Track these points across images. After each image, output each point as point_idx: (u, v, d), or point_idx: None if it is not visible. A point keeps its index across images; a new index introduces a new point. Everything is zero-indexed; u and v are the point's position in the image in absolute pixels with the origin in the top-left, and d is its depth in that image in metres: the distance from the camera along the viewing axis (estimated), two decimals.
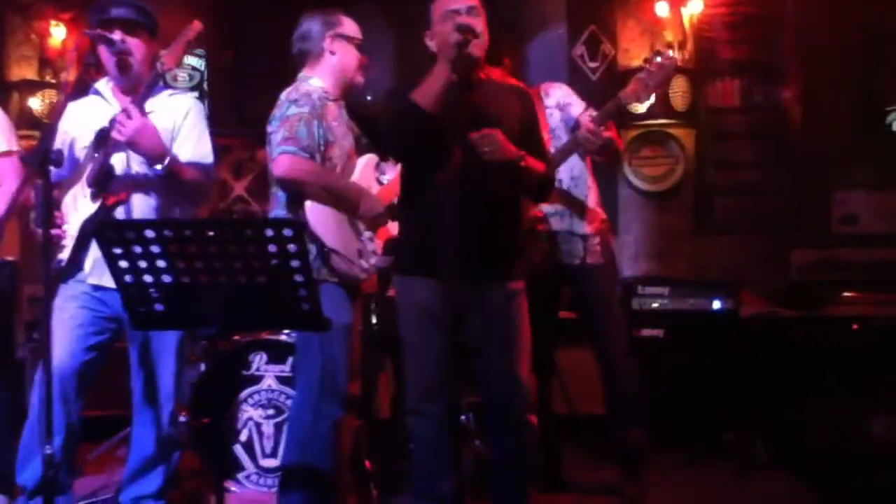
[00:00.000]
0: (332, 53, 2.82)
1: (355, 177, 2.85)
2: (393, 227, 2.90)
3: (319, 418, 2.66)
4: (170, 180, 2.66)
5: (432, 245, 2.43)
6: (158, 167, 2.62)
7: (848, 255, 4.62)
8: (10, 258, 3.20)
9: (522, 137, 2.60)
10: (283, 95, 2.74)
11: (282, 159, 2.62)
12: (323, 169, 2.71)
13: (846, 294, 4.29)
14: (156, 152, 2.61)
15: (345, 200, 2.72)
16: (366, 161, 2.92)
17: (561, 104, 3.25)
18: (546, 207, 3.21)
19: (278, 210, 2.73)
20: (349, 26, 2.88)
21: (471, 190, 2.41)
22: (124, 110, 2.56)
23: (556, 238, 3.23)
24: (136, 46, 2.71)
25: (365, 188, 2.81)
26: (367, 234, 2.81)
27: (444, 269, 2.40)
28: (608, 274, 3.30)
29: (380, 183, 3.01)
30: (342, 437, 2.73)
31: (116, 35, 2.66)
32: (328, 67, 2.83)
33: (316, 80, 2.81)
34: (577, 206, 3.25)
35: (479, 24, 2.51)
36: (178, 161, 2.68)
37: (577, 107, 3.23)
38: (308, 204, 2.68)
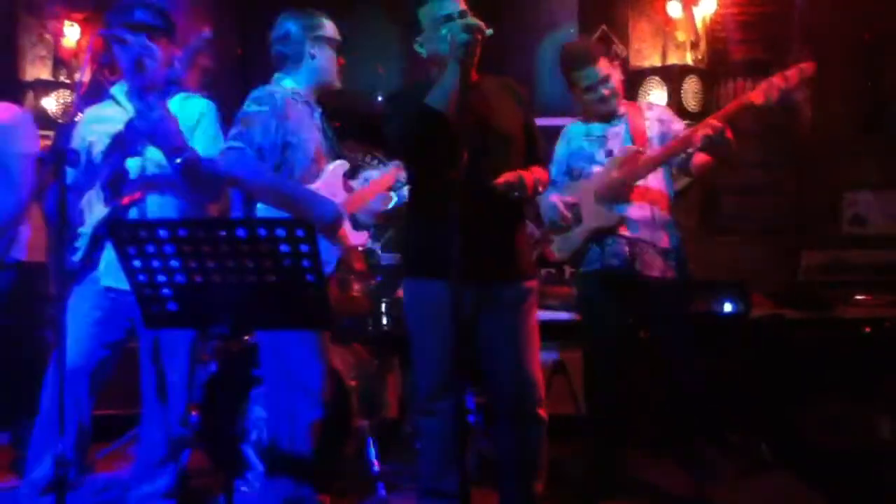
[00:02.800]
0: (313, 57, 2.80)
1: (319, 182, 2.76)
2: (354, 236, 2.82)
3: (292, 420, 2.66)
4: (186, 176, 2.65)
5: (442, 246, 2.38)
6: (178, 161, 2.60)
7: (857, 257, 4.61)
8: (22, 259, 3.20)
9: (524, 131, 2.64)
10: (251, 95, 2.73)
11: (227, 153, 2.60)
12: (270, 170, 2.65)
13: (856, 296, 4.28)
14: (175, 145, 2.59)
15: (296, 206, 2.64)
16: (334, 167, 2.82)
17: (663, 119, 3.26)
18: (632, 213, 3.17)
19: (235, 210, 2.73)
20: (329, 28, 2.84)
21: (479, 190, 2.43)
22: (146, 102, 2.55)
23: (636, 247, 3.16)
24: (157, 49, 2.71)
25: (319, 194, 2.70)
26: (322, 242, 2.72)
27: (453, 269, 2.37)
28: (682, 291, 3.27)
29: (350, 190, 2.92)
30: (318, 436, 2.71)
31: (140, 38, 2.67)
32: (307, 70, 2.80)
33: (288, 82, 2.79)
34: (662, 220, 3.21)
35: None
36: (196, 156, 2.67)
37: (677, 124, 3.25)
38: (259, 206, 2.66)
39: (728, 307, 4.05)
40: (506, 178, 2.49)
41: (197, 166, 2.64)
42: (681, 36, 4.86)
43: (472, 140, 2.44)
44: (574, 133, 3.34)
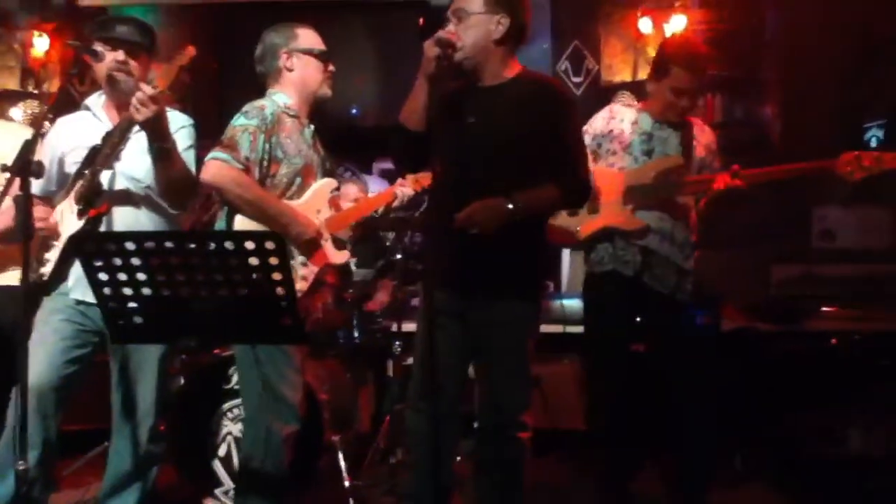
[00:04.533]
0: (290, 70, 2.77)
1: (304, 199, 2.74)
2: (334, 255, 2.80)
3: (268, 434, 2.63)
4: (161, 164, 2.58)
5: (437, 257, 2.50)
6: (166, 146, 2.55)
7: (827, 271, 4.67)
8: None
9: (538, 141, 2.50)
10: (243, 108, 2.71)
11: (210, 164, 2.58)
12: (253, 183, 2.61)
13: (825, 309, 4.33)
14: (164, 133, 2.54)
15: (275, 223, 2.61)
16: (321, 185, 2.80)
17: (710, 149, 3.20)
18: (653, 223, 3.07)
19: (220, 222, 2.71)
20: (306, 39, 2.80)
21: (466, 203, 2.42)
22: (146, 93, 2.44)
23: (649, 259, 3.07)
24: (135, 67, 2.68)
25: (300, 212, 2.68)
26: (300, 258, 2.69)
27: (446, 282, 2.48)
28: (693, 313, 3.22)
29: (338, 209, 2.91)
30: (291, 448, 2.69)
31: (118, 54, 2.64)
32: (288, 84, 2.78)
33: (280, 96, 2.77)
34: (681, 237, 3.12)
35: (464, 29, 2.46)
36: (175, 147, 2.62)
37: (717, 161, 3.20)
38: (238, 218, 2.64)
39: (699, 320, 4.08)
40: (466, 212, 2.41)
41: (174, 157, 2.60)
42: (652, 52, 4.91)
43: (457, 152, 2.43)
44: (626, 116, 3.21)
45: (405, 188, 3.38)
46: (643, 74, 4.89)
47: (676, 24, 4.90)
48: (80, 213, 2.64)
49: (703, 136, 3.21)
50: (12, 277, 3.13)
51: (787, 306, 4.36)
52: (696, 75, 3.06)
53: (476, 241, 2.42)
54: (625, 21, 5.04)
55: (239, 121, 2.65)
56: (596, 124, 3.22)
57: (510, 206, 2.42)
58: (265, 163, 2.65)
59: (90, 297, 2.47)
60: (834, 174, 2.91)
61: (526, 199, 2.45)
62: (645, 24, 4.94)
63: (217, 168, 2.57)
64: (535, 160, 2.51)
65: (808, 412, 3.86)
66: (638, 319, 3.18)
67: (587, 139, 3.18)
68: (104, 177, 2.68)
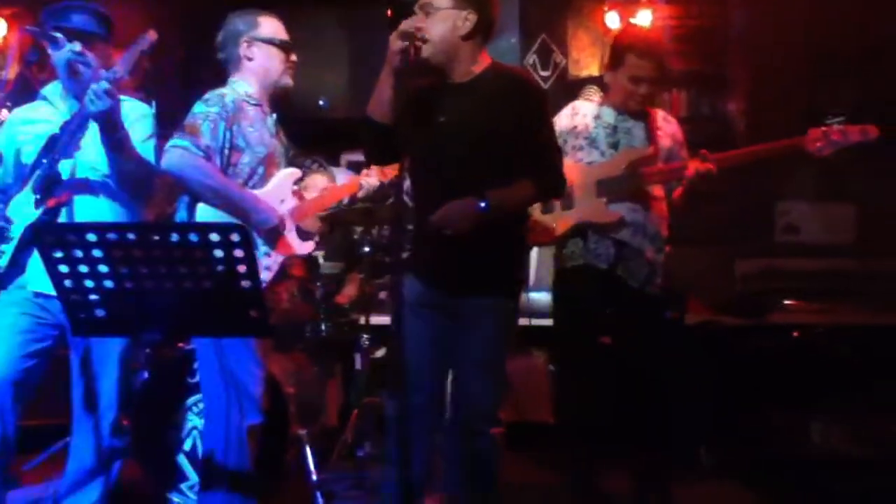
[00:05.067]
0: (249, 59, 2.74)
1: (268, 188, 2.72)
2: (298, 245, 2.78)
3: (230, 427, 2.61)
4: (113, 155, 2.56)
5: (420, 251, 2.57)
6: (118, 135, 2.52)
7: (790, 265, 4.74)
8: None
9: (509, 137, 2.47)
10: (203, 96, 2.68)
11: (171, 151, 2.55)
12: (215, 171, 2.59)
13: (787, 302, 4.40)
14: (116, 123, 2.50)
15: (238, 210, 2.59)
16: (284, 175, 2.78)
17: (676, 138, 3.20)
18: (626, 214, 3.06)
19: (181, 212, 2.68)
20: (267, 27, 2.76)
21: (444, 202, 2.41)
22: (100, 87, 2.40)
23: (623, 251, 3.07)
24: (92, 58, 2.62)
25: (262, 200, 2.66)
26: (264, 248, 2.67)
27: (425, 275, 2.54)
28: (659, 307, 3.21)
29: (300, 199, 2.88)
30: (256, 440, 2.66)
31: (74, 45, 2.58)
32: (248, 72, 2.75)
33: (241, 84, 2.74)
34: (652, 229, 3.13)
35: (431, 24, 2.44)
36: (128, 137, 2.59)
37: (684, 150, 3.19)
38: (199, 206, 2.61)
39: (666, 314, 4.11)
40: (439, 213, 2.41)
41: (129, 146, 2.57)
42: None
43: (429, 151, 2.45)
44: (588, 111, 3.21)
45: (370, 178, 3.36)
46: None
47: (643, 18, 4.93)
48: (38, 203, 2.58)
49: (668, 126, 3.22)
50: None
51: (752, 300, 4.41)
52: (651, 62, 3.06)
53: (452, 238, 2.42)
54: (592, 15, 5.07)
55: (199, 108, 2.62)
56: (561, 122, 3.23)
57: (483, 205, 2.41)
58: (226, 151, 2.63)
59: (49, 289, 2.42)
60: (803, 151, 2.93)
61: (499, 197, 2.44)
62: (612, 19, 4.97)
63: (178, 155, 2.54)
64: (508, 156, 2.49)
65: (771, 406, 3.91)
66: (607, 312, 3.19)
67: None
68: (64, 166, 2.63)
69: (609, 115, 3.18)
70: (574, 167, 3.13)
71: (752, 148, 3.05)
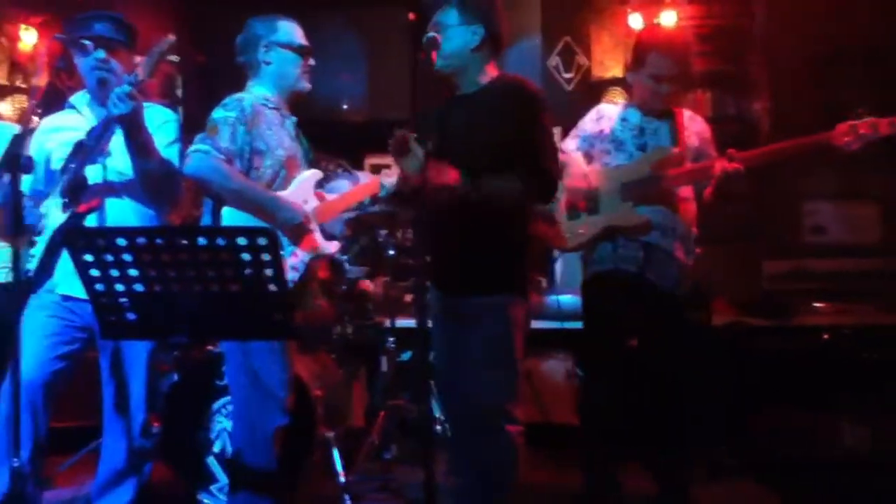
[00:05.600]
0: (268, 63, 2.78)
1: (291, 190, 2.75)
2: (324, 245, 2.80)
3: (256, 428, 2.64)
4: (137, 159, 2.60)
5: (431, 255, 2.66)
6: (141, 139, 2.58)
7: (817, 266, 4.69)
8: None
9: (509, 144, 2.55)
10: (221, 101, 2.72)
11: (192, 156, 2.59)
12: (236, 173, 2.62)
13: (815, 304, 4.35)
14: (140, 126, 2.57)
15: (262, 210, 2.63)
16: (306, 176, 2.81)
17: (703, 136, 3.17)
18: (654, 217, 3.04)
19: (207, 216, 2.71)
20: (286, 32, 2.80)
21: (446, 205, 2.48)
22: (123, 89, 2.47)
23: (652, 254, 3.05)
24: (115, 64, 2.68)
25: (285, 198, 2.69)
26: (290, 248, 2.69)
27: (435, 279, 2.66)
28: (691, 307, 3.22)
29: (322, 200, 2.89)
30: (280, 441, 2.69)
31: (98, 53, 2.63)
32: (266, 77, 2.79)
33: (258, 89, 2.78)
34: (682, 231, 3.10)
35: (445, 40, 2.59)
36: (152, 141, 2.65)
37: (712, 149, 3.14)
38: (225, 209, 2.64)
39: (689, 314, 4.09)
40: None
41: (153, 148, 2.62)
42: None
43: (437, 155, 2.49)
44: (613, 114, 3.20)
45: (391, 178, 3.36)
46: None
47: (666, 19, 4.91)
48: (65, 207, 2.63)
49: (695, 125, 3.19)
50: None
51: (778, 301, 4.37)
52: (672, 60, 3.05)
53: (454, 238, 2.51)
54: (615, 17, 5.05)
55: (218, 113, 2.66)
56: (585, 126, 3.23)
57: (462, 177, 2.50)
58: (246, 154, 2.66)
59: (77, 293, 2.47)
60: (832, 147, 2.88)
61: (483, 182, 2.51)
62: (635, 20, 4.94)
63: (199, 160, 2.58)
64: (510, 163, 2.56)
65: (797, 407, 3.87)
66: (635, 315, 3.15)
67: (577, 142, 3.23)
68: (92, 171, 2.67)
69: (635, 116, 3.16)
70: (599, 171, 3.13)
71: (780, 145, 3.00)
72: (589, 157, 3.20)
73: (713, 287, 4.24)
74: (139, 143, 2.57)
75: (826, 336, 4.06)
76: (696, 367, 3.17)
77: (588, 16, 5.15)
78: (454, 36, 2.62)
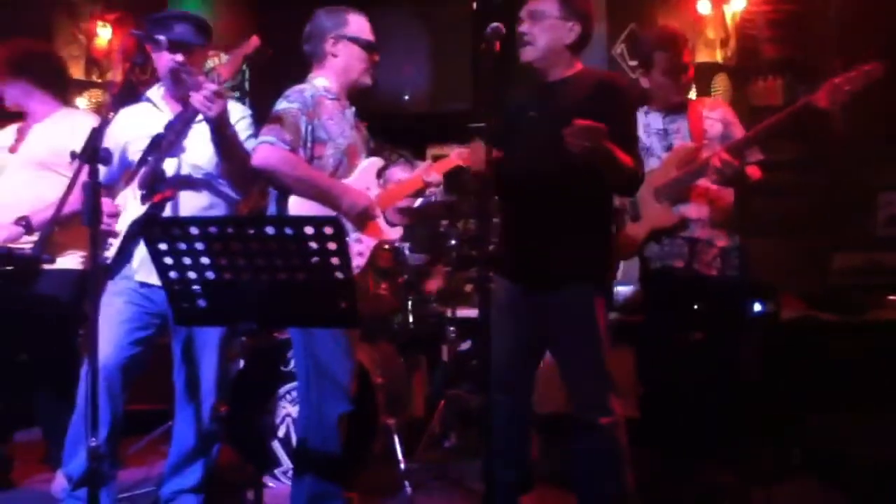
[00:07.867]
0: (335, 56, 2.80)
1: (353, 178, 2.79)
2: (387, 231, 2.85)
3: (321, 414, 2.68)
4: (224, 153, 2.67)
5: (506, 247, 2.68)
6: (228, 134, 2.65)
7: (892, 259, 4.53)
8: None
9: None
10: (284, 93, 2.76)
11: (260, 149, 2.62)
12: (302, 162, 2.66)
13: (890, 298, 4.20)
14: (227, 123, 2.64)
15: (328, 197, 2.67)
16: (367, 164, 2.86)
17: (727, 121, 3.23)
18: (690, 212, 3.17)
19: (272, 206, 2.76)
20: (355, 26, 2.82)
21: (530, 194, 2.54)
22: (210, 90, 2.50)
23: (696, 246, 3.17)
24: (193, 64, 2.74)
25: (350, 186, 2.74)
26: (355, 234, 2.73)
27: (513, 271, 2.65)
28: (743, 290, 3.29)
29: (383, 187, 2.93)
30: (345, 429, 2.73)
31: (176, 55, 2.70)
32: (331, 69, 2.81)
33: (320, 80, 2.81)
34: (718, 218, 3.20)
35: (539, 31, 2.61)
36: (237, 135, 2.73)
37: (739, 129, 3.20)
38: (291, 199, 2.67)
39: (757, 307, 4.00)
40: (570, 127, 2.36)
41: (236, 141, 2.70)
42: (710, 33, 4.84)
43: (519, 145, 2.55)
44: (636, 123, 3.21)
45: (434, 176, 3.30)
46: (702, 57, 4.82)
47: (737, 4, 4.79)
48: (144, 199, 2.71)
49: (716, 112, 3.26)
50: (71, 261, 3.23)
51: (849, 295, 4.24)
52: (675, 51, 3.18)
53: (542, 229, 2.53)
54: (683, 2, 4.94)
55: (281, 105, 2.70)
56: None
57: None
58: (309, 144, 2.70)
59: (153, 280, 2.55)
60: (816, 110, 2.87)
61: (615, 148, 2.45)
62: (703, 6, 4.83)
63: (265, 151, 2.62)
64: None
65: (868, 406, 3.75)
66: (696, 308, 3.23)
67: None
68: (169, 164, 2.75)
69: (656, 119, 3.28)
70: None
71: (765, 123, 2.97)
72: None
73: (780, 281, 4.15)
74: (226, 139, 2.63)
75: None
76: (761, 360, 3.14)
77: (655, 2, 5.05)
78: (551, 28, 2.62)
